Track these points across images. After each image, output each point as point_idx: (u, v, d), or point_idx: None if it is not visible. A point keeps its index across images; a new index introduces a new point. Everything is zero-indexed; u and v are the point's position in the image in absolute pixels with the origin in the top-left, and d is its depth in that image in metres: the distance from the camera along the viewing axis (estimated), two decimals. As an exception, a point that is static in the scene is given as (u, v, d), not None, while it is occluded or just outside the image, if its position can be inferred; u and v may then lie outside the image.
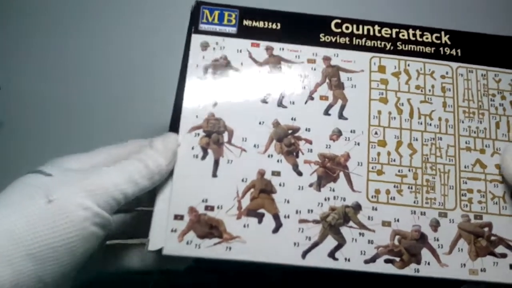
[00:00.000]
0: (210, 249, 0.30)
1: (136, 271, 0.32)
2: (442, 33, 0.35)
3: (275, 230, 0.30)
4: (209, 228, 0.30)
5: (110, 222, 0.28)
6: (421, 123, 0.33)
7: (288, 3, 0.42)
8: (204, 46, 0.34)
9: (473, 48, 0.35)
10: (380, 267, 0.30)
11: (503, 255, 0.31)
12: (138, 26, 0.47)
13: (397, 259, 0.30)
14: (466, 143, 0.33)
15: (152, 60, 0.46)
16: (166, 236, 0.29)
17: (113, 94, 0.45)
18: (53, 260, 0.25)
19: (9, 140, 0.44)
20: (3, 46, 0.46)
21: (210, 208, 0.30)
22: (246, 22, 0.35)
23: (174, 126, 0.32)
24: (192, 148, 0.31)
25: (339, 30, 0.35)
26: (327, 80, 0.34)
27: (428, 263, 0.30)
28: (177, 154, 0.31)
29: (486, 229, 0.31)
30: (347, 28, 0.35)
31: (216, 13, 0.35)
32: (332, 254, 0.30)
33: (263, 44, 0.34)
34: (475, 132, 0.33)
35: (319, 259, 0.30)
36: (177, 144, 0.31)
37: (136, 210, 0.33)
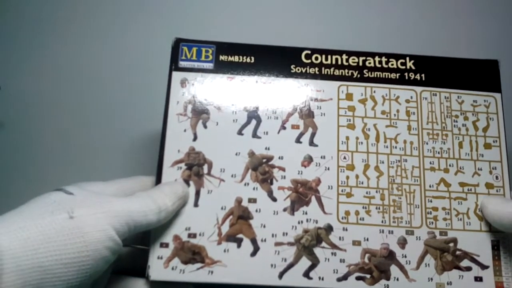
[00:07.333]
0: (193, 274, 0.32)
1: None
2: (407, 58, 0.37)
3: (253, 254, 0.33)
4: (192, 254, 0.33)
5: (121, 247, 0.29)
6: (387, 147, 0.35)
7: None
8: (184, 83, 0.36)
9: (437, 71, 0.37)
10: (352, 284, 0.32)
11: (468, 268, 0.33)
12: (142, 31, 0.48)
13: (368, 276, 0.32)
14: (430, 163, 0.35)
15: (152, 64, 0.46)
16: (152, 263, 0.32)
17: (112, 93, 0.46)
18: (62, 275, 0.26)
19: (9, 140, 0.44)
20: (3, 46, 0.46)
21: (192, 235, 0.33)
22: (222, 57, 0.37)
23: (161, 159, 0.34)
24: (175, 181, 0.34)
25: (309, 61, 0.37)
26: (298, 110, 0.36)
27: (397, 279, 0.32)
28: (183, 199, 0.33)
29: (451, 244, 0.33)
30: (316, 58, 0.37)
31: (194, 49, 0.37)
32: (306, 274, 0.32)
33: (238, 78, 0.37)
34: (439, 153, 0.35)
35: (294, 279, 0.32)
36: (182, 191, 0.33)
37: (131, 246, 0.35)
